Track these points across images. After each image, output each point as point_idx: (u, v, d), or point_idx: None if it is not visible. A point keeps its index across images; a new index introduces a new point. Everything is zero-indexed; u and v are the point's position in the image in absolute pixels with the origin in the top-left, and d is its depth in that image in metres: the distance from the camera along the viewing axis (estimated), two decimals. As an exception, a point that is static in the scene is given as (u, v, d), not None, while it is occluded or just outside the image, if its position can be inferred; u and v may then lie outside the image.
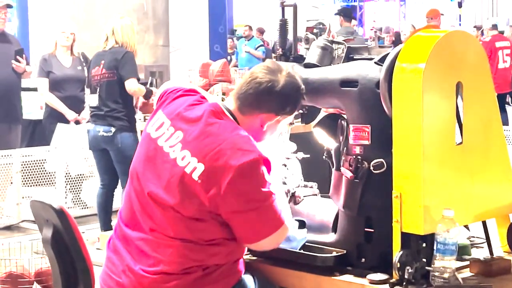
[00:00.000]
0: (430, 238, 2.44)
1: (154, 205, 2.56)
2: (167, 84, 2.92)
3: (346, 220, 2.66)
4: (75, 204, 7.02)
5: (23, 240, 4.44)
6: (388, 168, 2.51)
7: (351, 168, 2.61)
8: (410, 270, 2.41)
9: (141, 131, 4.64)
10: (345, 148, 2.67)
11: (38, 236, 2.84)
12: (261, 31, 17.00)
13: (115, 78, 5.86)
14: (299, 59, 2.89)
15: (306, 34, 2.94)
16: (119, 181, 5.97)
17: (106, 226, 5.86)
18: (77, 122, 6.93)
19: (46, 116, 7.05)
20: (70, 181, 6.97)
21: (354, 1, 21.61)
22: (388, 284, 2.45)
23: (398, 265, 2.41)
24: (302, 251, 2.71)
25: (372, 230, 2.58)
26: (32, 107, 7.70)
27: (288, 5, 2.97)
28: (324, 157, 2.82)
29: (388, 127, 2.48)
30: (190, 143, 2.55)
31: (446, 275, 2.39)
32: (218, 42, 11.17)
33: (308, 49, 2.89)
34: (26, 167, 6.66)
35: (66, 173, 6.87)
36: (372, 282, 2.49)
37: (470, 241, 2.81)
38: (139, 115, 6.59)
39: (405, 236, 2.44)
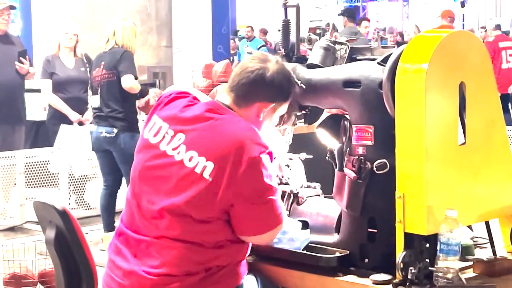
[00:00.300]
0: (433, 239, 2.44)
1: (157, 212, 2.56)
2: (169, 88, 2.93)
3: (349, 221, 2.65)
4: (78, 205, 7.02)
5: (26, 241, 4.45)
6: (391, 169, 2.51)
7: (354, 168, 2.61)
8: (413, 271, 2.41)
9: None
10: (348, 149, 2.67)
11: (42, 237, 2.84)
12: (264, 32, 17.01)
13: (115, 78, 5.87)
14: (302, 60, 2.89)
15: (309, 34, 2.94)
16: (123, 182, 5.97)
17: (109, 227, 5.86)
18: (81, 123, 6.93)
19: (50, 117, 7.06)
20: (74, 182, 6.97)
21: (357, 2, 21.60)
22: (391, 285, 2.45)
23: (401, 266, 2.41)
24: (305, 251, 2.71)
25: (375, 231, 2.58)
26: (36, 108, 7.71)
27: (291, 5, 2.97)
28: (327, 157, 2.82)
29: (391, 127, 2.48)
30: (195, 143, 2.55)
31: (449, 276, 2.39)
32: (221, 43, 11.16)
33: (311, 49, 2.89)
34: (29, 168, 6.66)
35: (70, 174, 6.88)
36: (375, 282, 2.49)
37: (474, 241, 2.81)
38: (142, 116, 6.59)
39: (408, 237, 2.44)
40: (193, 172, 2.52)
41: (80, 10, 9.17)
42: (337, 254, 2.63)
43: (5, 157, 6.59)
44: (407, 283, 2.41)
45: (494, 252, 2.66)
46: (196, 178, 2.51)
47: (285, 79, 2.65)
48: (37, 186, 6.71)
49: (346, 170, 2.65)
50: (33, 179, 6.69)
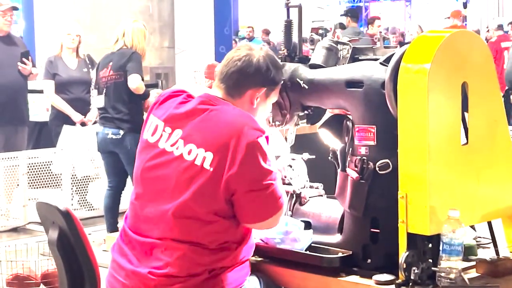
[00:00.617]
0: (436, 239, 2.44)
1: (161, 212, 2.56)
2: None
3: (352, 221, 2.65)
4: (81, 206, 7.02)
5: (29, 242, 4.45)
6: (393, 169, 2.51)
7: (356, 168, 2.61)
8: (416, 271, 2.41)
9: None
10: (350, 149, 2.67)
11: (45, 238, 2.84)
12: (266, 32, 17.02)
13: (122, 79, 5.86)
14: (304, 60, 2.88)
15: (311, 35, 2.94)
16: (127, 182, 5.97)
17: (112, 227, 5.86)
18: (83, 124, 6.93)
19: (52, 118, 7.06)
20: (76, 183, 6.98)
21: (360, 2, 21.60)
22: (394, 285, 2.45)
23: (404, 266, 2.41)
24: (308, 252, 2.71)
25: (378, 231, 2.58)
26: (38, 109, 7.71)
27: (293, 6, 2.97)
28: (329, 158, 2.82)
29: (393, 127, 2.48)
30: (192, 135, 2.56)
31: (452, 276, 2.39)
32: (223, 43, 11.16)
33: (313, 49, 2.89)
34: (32, 169, 6.66)
35: (72, 175, 6.88)
36: (378, 282, 2.48)
37: (476, 241, 2.80)
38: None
39: (411, 237, 2.43)
40: (193, 165, 2.52)
41: (83, 11, 9.17)
42: (340, 255, 2.62)
43: (8, 158, 6.59)
44: (410, 284, 2.41)
45: (497, 252, 2.66)
46: (197, 171, 2.51)
47: (272, 62, 2.68)
48: (39, 187, 6.71)
49: (348, 170, 2.65)
50: (35, 180, 6.69)
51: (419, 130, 2.41)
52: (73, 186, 6.96)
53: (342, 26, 10.29)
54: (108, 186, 6.02)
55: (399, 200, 2.44)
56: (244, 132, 2.50)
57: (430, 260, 2.46)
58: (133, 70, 5.85)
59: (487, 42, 10.75)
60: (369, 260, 2.59)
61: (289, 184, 2.90)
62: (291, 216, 2.85)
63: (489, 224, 2.68)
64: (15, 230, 6.62)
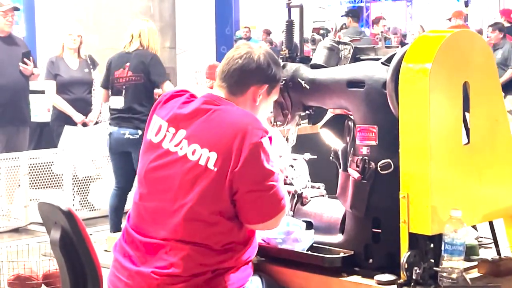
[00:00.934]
0: (437, 239, 2.44)
1: (165, 213, 2.56)
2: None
3: (354, 221, 2.65)
4: (82, 206, 7.03)
5: (31, 243, 4.45)
6: (395, 169, 2.51)
7: (358, 168, 2.60)
8: (418, 271, 2.41)
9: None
10: (352, 149, 2.67)
11: (46, 239, 2.84)
12: (267, 33, 17.02)
13: (142, 81, 5.87)
14: (306, 60, 2.88)
15: (313, 35, 2.94)
16: (135, 184, 5.97)
17: (116, 227, 5.85)
18: (85, 125, 6.93)
19: (54, 118, 7.06)
20: (78, 183, 6.98)
21: (361, 2, 21.58)
22: (396, 285, 2.45)
23: (406, 266, 2.41)
24: (309, 252, 2.71)
25: (380, 231, 2.58)
26: (40, 109, 7.71)
27: (294, 6, 2.97)
28: (331, 158, 2.82)
29: (395, 127, 2.48)
30: (196, 136, 2.56)
31: (454, 276, 2.39)
32: (224, 43, 11.18)
33: (314, 49, 2.89)
34: (33, 169, 6.67)
35: (74, 176, 6.88)
36: (380, 283, 2.48)
37: (478, 241, 2.80)
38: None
39: (413, 237, 2.43)
40: (197, 165, 2.52)
41: (84, 11, 9.17)
42: (342, 255, 2.62)
43: (9, 158, 6.60)
44: (412, 284, 2.41)
45: (498, 252, 2.66)
46: (201, 171, 2.51)
47: (272, 60, 2.69)
48: (41, 188, 6.71)
49: (350, 170, 2.65)
50: (37, 180, 6.69)
51: (421, 130, 2.41)
52: (74, 186, 6.96)
53: (342, 27, 10.31)
54: (115, 186, 6.02)
55: (400, 200, 2.44)
56: (248, 132, 2.50)
57: (432, 260, 2.46)
58: (163, 77, 5.94)
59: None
60: (370, 260, 2.59)
61: (291, 184, 2.90)
62: (293, 216, 2.86)
63: (490, 224, 2.68)
64: (16, 230, 6.61)
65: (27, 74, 6.86)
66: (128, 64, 5.90)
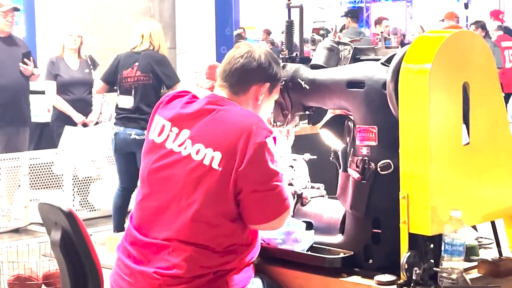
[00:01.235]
0: (437, 239, 2.44)
1: (169, 213, 2.56)
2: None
3: (354, 221, 2.65)
4: (82, 206, 7.03)
5: (31, 243, 4.46)
6: (395, 169, 2.51)
7: (358, 169, 2.60)
8: (417, 271, 2.41)
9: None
10: (352, 149, 2.67)
11: (46, 239, 2.84)
12: (268, 33, 17.03)
13: (151, 81, 5.88)
14: (306, 60, 2.89)
15: (312, 35, 2.94)
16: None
17: (119, 227, 5.85)
18: (85, 125, 6.93)
19: (54, 119, 7.06)
20: (78, 183, 6.98)
21: (361, 2, 21.59)
22: (395, 285, 2.45)
23: (406, 266, 2.41)
24: (309, 252, 2.71)
25: (380, 231, 2.58)
26: (40, 110, 7.71)
27: (294, 6, 2.97)
28: (331, 158, 2.82)
29: (395, 128, 2.48)
30: (201, 135, 2.56)
31: (454, 276, 2.39)
32: (224, 44, 11.16)
33: (314, 50, 2.89)
34: (33, 170, 6.67)
35: (74, 176, 6.88)
36: (380, 283, 2.48)
37: (478, 241, 2.80)
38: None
39: (413, 237, 2.43)
40: (201, 165, 2.52)
41: (84, 11, 9.17)
42: (342, 255, 2.63)
43: (9, 159, 6.60)
44: (412, 284, 2.41)
45: (499, 252, 2.66)
46: (205, 171, 2.51)
47: (273, 59, 2.71)
48: (41, 188, 6.72)
49: (350, 170, 2.65)
50: (37, 180, 6.69)
51: (420, 131, 2.41)
52: (74, 187, 6.96)
53: (342, 28, 10.33)
54: (119, 186, 6.02)
55: (400, 200, 2.44)
56: (252, 132, 2.50)
57: (432, 261, 2.46)
58: (176, 79, 5.99)
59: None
60: (370, 261, 2.59)
61: (291, 184, 2.90)
62: (293, 216, 2.85)
63: (492, 224, 2.68)
64: (16, 231, 6.62)
65: (27, 75, 6.86)
66: (136, 64, 5.89)
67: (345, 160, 2.72)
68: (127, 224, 2.80)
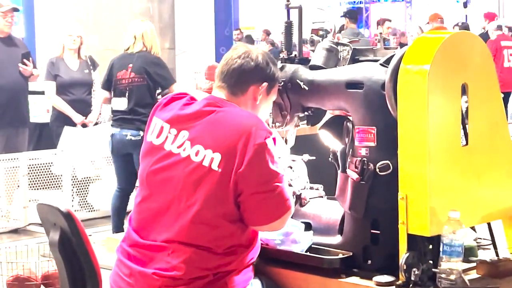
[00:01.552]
0: (436, 240, 2.44)
1: (169, 215, 2.55)
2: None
3: (352, 222, 2.65)
4: (81, 207, 7.03)
5: (30, 243, 4.45)
6: (394, 170, 2.51)
7: (357, 170, 2.60)
8: (416, 272, 2.41)
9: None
10: (350, 150, 2.67)
11: (45, 239, 2.84)
12: (267, 33, 17.03)
13: (145, 83, 5.88)
14: (304, 61, 2.89)
15: (311, 36, 2.94)
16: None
17: (118, 228, 5.85)
18: (84, 125, 6.93)
19: (53, 119, 7.06)
20: (77, 184, 6.98)
21: (360, 3, 21.58)
22: (394, 286, 2.45)
23: (405, 267, 2.41)
24: (308, 253, 2.71)
25: (379, 232, 2.58)
26: (39, 110, 7.71)
27: (293, 7, 2.97)
28: (330, 159, 2.82)
29: (393, 128, 2.48)
30: (200, 137, 2.56)
31: (452, 277, 2.39)
32: (224, 44, 11.17)
33: (313, 51, 2.89)
34: (32, 170, 6.67)
35: (73, 176, 6.88)
36: (379, 284, 2.48)
37: (477, 242, 2.80)
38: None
39: (411, 238, 2.43)
40: (201, 166, 2.52)
41: (84, 12, 9.17)
42: (340, 256, 2.62)
43: (9, 159, 6.60)
44: (411, 285, 2.41)
45: (496, 253, 2.66)
46: (205, 172, 2.51)
47: (270, 59, 2.71)
48: (40, 188, 6.72)
49: (349, 171, 2.65)
50: (36, 181, 6.69)
51: (419, 131, 2.41)
52: (73, 187, 6.96)
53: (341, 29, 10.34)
54: (117, 187, 6.02)
55: (399, 201, 2.44)
56: (252, 133, 2.50)
57: (431, 261, 2.46)
58: (171, 80, 5.99)
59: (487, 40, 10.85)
60: (369, 261, 2.59)
61: (290, 185, 2.90)
62: (292, 217, 2.85)
63: (489, 225, 2.68)
64: (15, 231, 6.62)
65: (26, 75, 6.86)
66: (131, 65, 5.89)
67: (344, 161, 2.71)
68: (126, 225, 2.80)
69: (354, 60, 2.84)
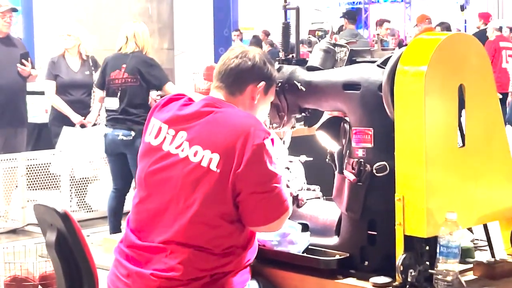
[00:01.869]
0: (433, 241, 2.44)
1: (167, 215, 2.55)
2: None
3: (349, 223, 2.65)
4: (80, 207, 7.02)
5: (27, 244, 4.45)
6: (390, 171, 2.51)
7: (354, 171, 2.61)
8: (413, 273, 2.41)
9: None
10: (347, 151, 2.67)
11: (43, 240, 2.84)
12: (266, 34, 17.04)
13: (138, 83, 5.88)
14: (302, 62, 2.89)
15: (309, 37, 2.94)
16: (133, 185, 5.97)
17: (115, 229, 5.84)
18: (83, 126, 6.93)
19: (52, 118, 7.05)
20: (75, 184, 6.98)
21: (359, 4, 21.58)
22: (391, 287, 2.44)
23: (401, 268, 2.41)
24: (305, 254, 2.71)
25: (375, 233, 2.58)
26: (38, 110, 7.71)
27: (290, 8, 2.97)
28: (327, 160, 2.82)
29: (390, 130, 2.48)
30: (198, 137, 2.56)
31: (449, 278, 2.39)
32: (222, 45, 11.19)
33: (310, 52, 2.89)
34: (31, 170, 6.66)
35: (71, 177, 6.88)
36: (376, 285, 2.48)
37: (474, 243, 2.80)
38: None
39: (408, 239, 2.43)
40: (199, 166, 2.52)
41: (82, 12, 9.17)
42: (337, 257, 2.63)
43: (7, 160, 6.60)
44: (407, 286, 2.41)
45: (492, 255, 2.65)
46: (203, 172, 2.51)
47: (267, 59, 2.72)
48: (38, 189, 6.71)
49: (346, 172, 2.65)
50: (34, 181, 6.69)
51: (416, 133, 2.41)
52: (72, 187, 6.95)
53: (340, 29, 10.35)
54: (113, 188, 6.02)
55: (396, 202, 2.44)
56: (251, 133, 2.50)
57: (427, 263, 2.46)
58: (165, 79, 5.98)
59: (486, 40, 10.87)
60: (366, 262, 2.59)
61: (287, 186, 2.90)
62: (288, 218, 2.85)
63: (485, 226, 2.68)
64: (14, 231, 6.61)
65: (25, 75, 6.85)
66: (124, 65, 5.90)
67: (341, 162, 2.72)
68: (123, 225, 2.80)
69: (351, 61, 2.83)
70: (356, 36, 8.92)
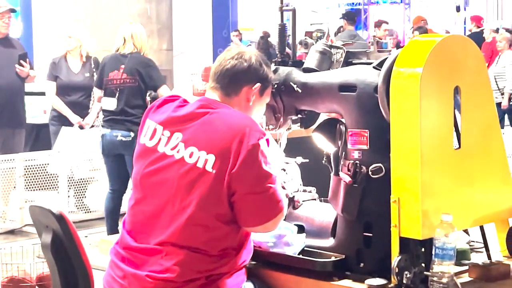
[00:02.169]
0: (428, 243, 2.44)
1: (163, 217, 2.55)
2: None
3: (345, 225, 2.65)
4: (78, 208, 7.02)
5: (25, 245, 4.45)
6: (386, 173, 2.51)
7: (349, 172, 2.60)
8: (408, 275, 2.41)
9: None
10: (343, 153, 2.67)
11: (41, 241, 2.84)
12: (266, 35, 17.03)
13: (137, 84, 5.89)
14: (298, 64, 2.88)
15: (305, 38, 2.94)
16: (129, 186, 5.97)
17: (112, 230, 5.84)
18: (81, 127, 6.92)
19: (51, 117, 7.05)
20: (73, 185, 6.97)
21: (359, 5, 21.58)
22: (386, 289, 2.45)
23: (397, 270, 2.41)
24: (301, 256, 2.70)
25: (371, 235, 2.58)
26: (36, 111, 7.71)
27: (286, 9, 2.97)
28: (323, 161, 2.82)
29: (386, 131, 2.48)
30: (193, 138, 2.56)
31: (444, 280, 2.38)
32: (221, 46, 11.18)
33: (307, 53, 2.89)
34: (29, 171, 6.66)
35: (69, 177, 6.87)
36: (371, 287, 2.48)
37: (470, 245, 2.80)
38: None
39: (404, 241, 2.43)
40: (195, 167, 2.52)
41: (81, 13, 9.17)
42: (333, 259, 2.63)
43: (5, 160, 6.60)
44: (402, 288, 2.41)
45: (488, 257, 2.66)
46: (199, 174, 2.51)
47: (263, 60, 2.71)
48: (36, 189, 6.71)
49: (341, 174, 2.65)
50: (32, 182, 6.68)
51: (412, 134, 2.41)
52: (70, 188, 6.95)
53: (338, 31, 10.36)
54: (110, 189, 6.02)
55: (391, 204, 2.44)
56: (246, 133, 2.50)
57: (423, 264, 2.46)
58: (161, 82, 5.99)
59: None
60: (362, 264, 2.59)
61: (283, 187, 2.90)
62: (284, 219, 2.85)
63: (481, 228, 2.68)
64: (11, 232, 6.62)
65: (23, 76, 6.86)
66: (123, 66, 5.90)
67: (336, 163, 2.71)
68: (120, 226, 2.79)
69: (347, 63, 2.84)
70: (355, 37, 8.93)
